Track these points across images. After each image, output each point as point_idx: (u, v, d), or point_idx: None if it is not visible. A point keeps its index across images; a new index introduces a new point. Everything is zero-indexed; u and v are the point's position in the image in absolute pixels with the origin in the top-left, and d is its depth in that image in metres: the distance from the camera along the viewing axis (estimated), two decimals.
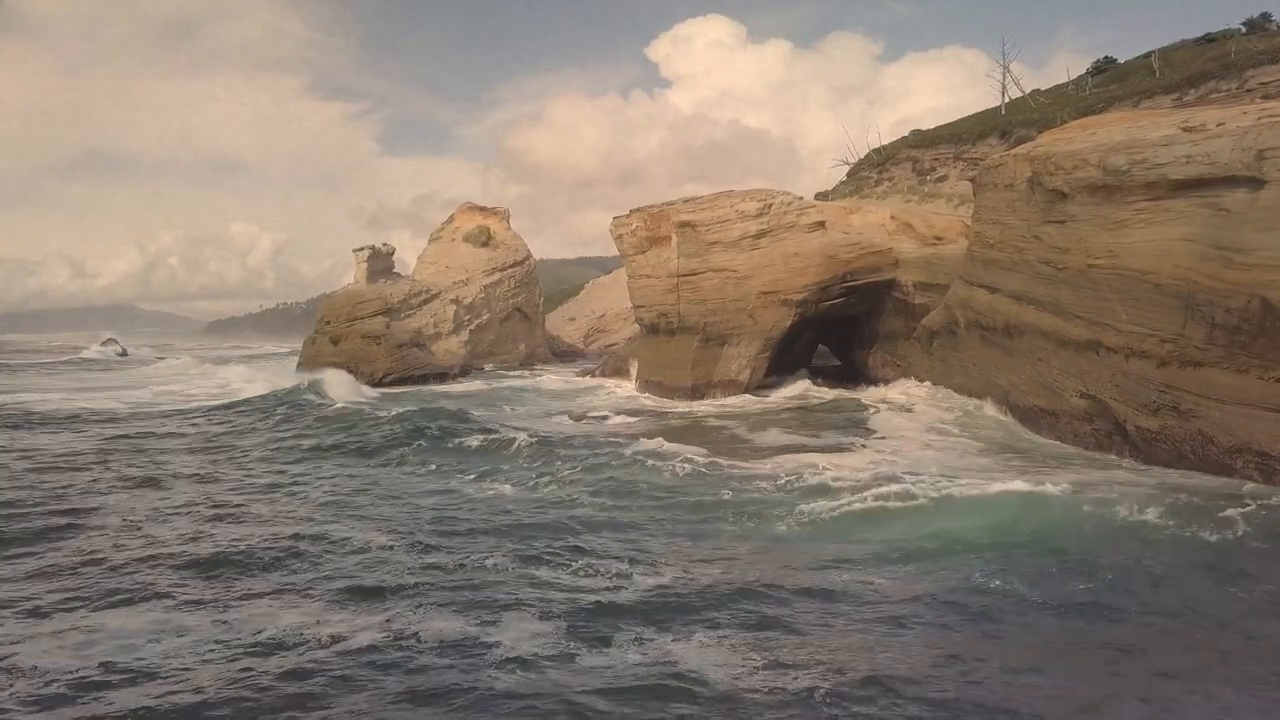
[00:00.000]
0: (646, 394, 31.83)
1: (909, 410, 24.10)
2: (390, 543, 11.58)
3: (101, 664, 7.61)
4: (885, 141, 54.97)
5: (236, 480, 16.48)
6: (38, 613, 9.14)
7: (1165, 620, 8.66)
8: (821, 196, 48.50)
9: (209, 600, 9.44)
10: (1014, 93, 49.19)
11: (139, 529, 12.52)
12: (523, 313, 52.74)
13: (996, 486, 13.47)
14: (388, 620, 8.60)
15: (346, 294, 45.50)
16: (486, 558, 10.76)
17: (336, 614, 8.87)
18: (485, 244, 51.62)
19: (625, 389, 34.07)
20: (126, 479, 16.38)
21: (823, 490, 13.95)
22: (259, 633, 8.29)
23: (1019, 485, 13.45)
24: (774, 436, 21.26)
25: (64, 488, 15.46)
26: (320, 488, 15.69)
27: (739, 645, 8.02)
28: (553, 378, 42.01)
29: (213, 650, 7.92)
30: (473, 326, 48.19)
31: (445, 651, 7.78)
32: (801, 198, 33.14)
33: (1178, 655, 7.88)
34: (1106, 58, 51.12)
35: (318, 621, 8.60)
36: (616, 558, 10.86)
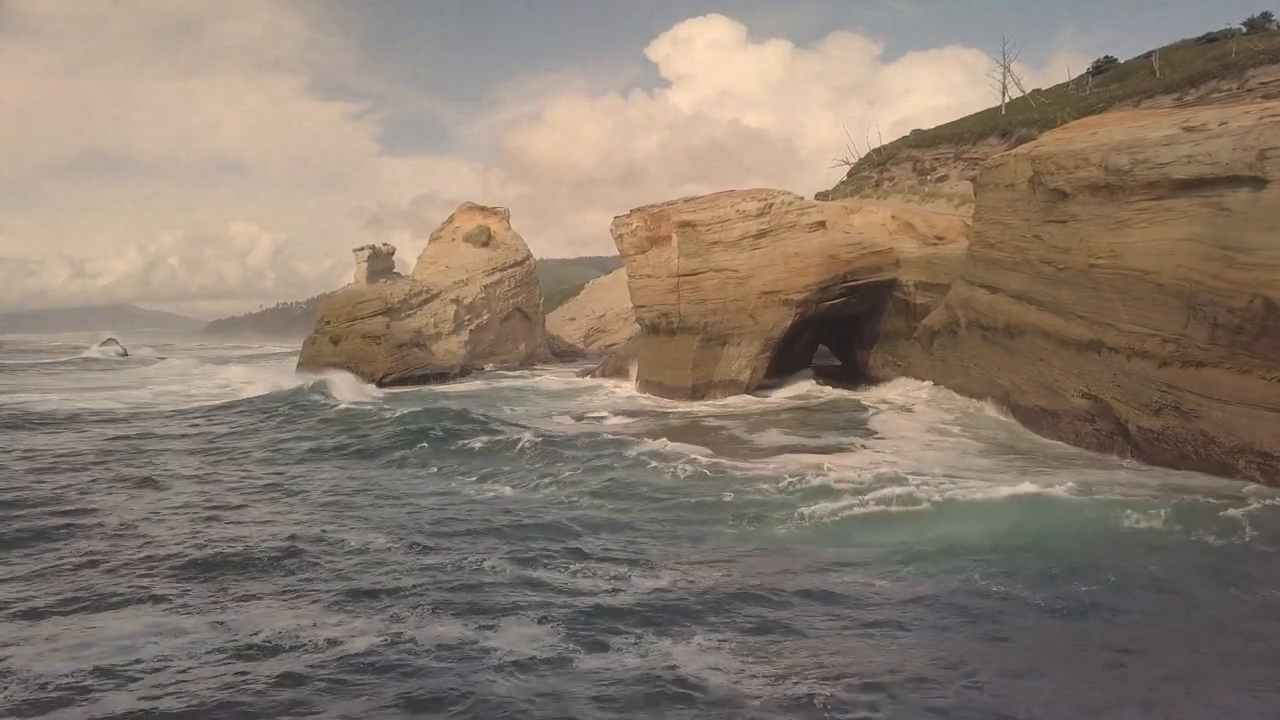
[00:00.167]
0: (647, 394, 31.78)
1: (910, 410, 24.06)
2: (389, 544, 11.53)
3: (97, 667, 7.57)
4: (886, 141, 54.93)
5: (236, 481, 16.43)
6: (34, 614, 9.10)
7: (1168, 623, 8.60)
8: (822, 196, 48.43)
9: (206, 602, 9.39)
10: (1014, 92, 49.16)
11: (137, 530, 12.47)
12: (523, 313, 52.69)
13: (998, 488, 13.42)
14: (385, 623, 8.55)
15: (346, 294, 45.46)
16: (485, 560, 10.71)
17: (334, 616, 8.82)
18: (485, 244, 51.56)
19: (625, 389, 34.01)
20: (125, 480, 16.33)
21: (824, 492, 13.88)
22: (255, 635, 8.24)
23: (1021, 487, 13.38)
24: (775, 437, 21.20)
25: (63, 488, 15.42)
26: (321, 489, 15.63)
27: (739, 649, 7.96)
28: (553, 378, 41.94)
29: (209, 653, 7.87)
30: (473, 326, 48.14)
31: (443, 655, 7.72)
32: (802, 198, 33.09)
33: (1180, 658, 7.83)
34: (1107, 57, 51.05)
35: (314, 624, 8.55)
36: (616, 560, 10.81)
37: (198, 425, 24.66)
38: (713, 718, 6.69)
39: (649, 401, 30.31)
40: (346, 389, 31.40)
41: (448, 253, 50.78)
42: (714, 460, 16.90)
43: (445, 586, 9.67)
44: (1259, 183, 14.55)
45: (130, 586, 9.89)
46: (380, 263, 48.54)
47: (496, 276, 50.55)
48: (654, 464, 16.75)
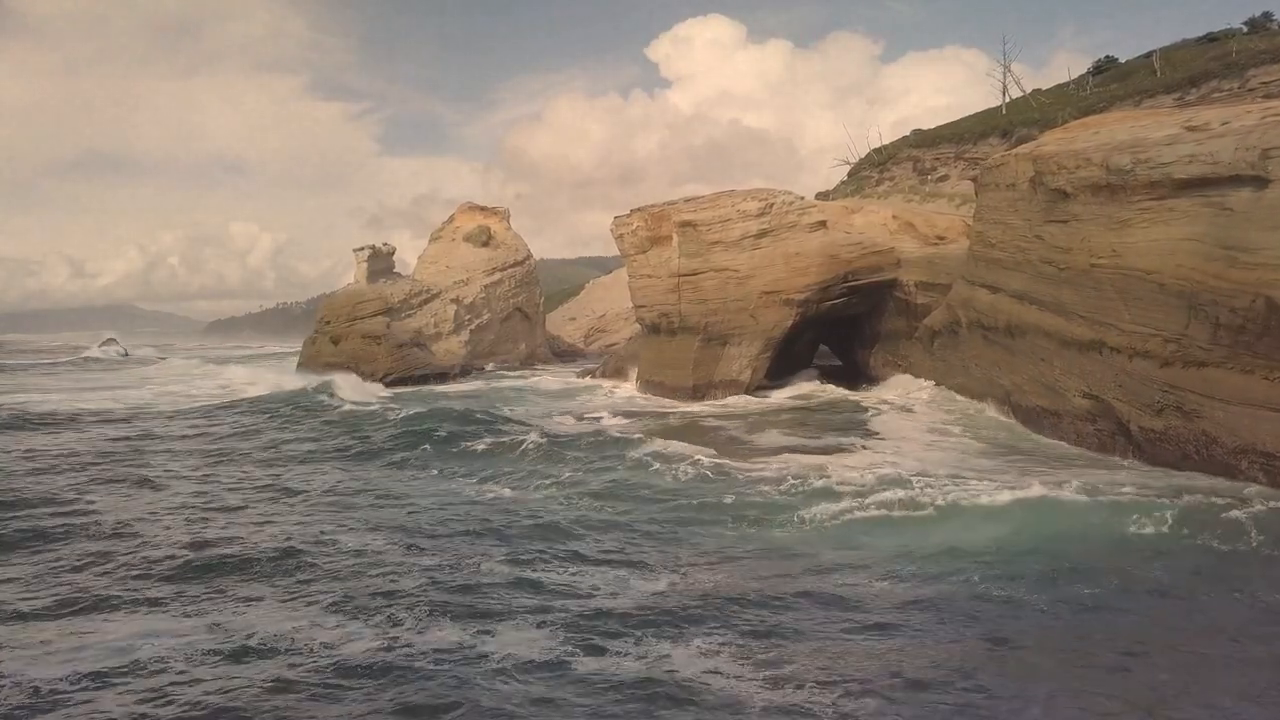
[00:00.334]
0: (647, 394, 31.72)
1: (910, 410, 23.99)
2: (388, 546, 11.49)
3: (92, 670, 7.51)
4: (886, 141, 54.95)
5: (236, 482, 16.38)
6: (30, 616, 9.06)
7: (1171, 628, 8.54)
8: (822, 196, 48.39)
9: (203, 604, 9.34)
10: (1015, 92, 49.16)
11: (135, 531, 12.41)
12: (523, 312, 52.65)
13: (1000, 490, 13.36)
14: (383, 626, 8.50)
15: (347, 294, 45.43)
16: (484, 562, 10.66)
17: (331, 619, 8.77)
18: (485, 244, 51.52)
19: (626, 389, 33.94)
20: (124, 480, 16.29)
21: (826, 494, 13.82)
22: (251, 638, 8.18)
23: (1023, 489, 13.32)
24: (776, 438, 21.15)
25: (61, 488, 15.38)
26: (321, 490, 15.58)
27: (739, 653, 7.90)
28: (553, 378, 41.86)
29: (205, 656, 7.81)
30: (473, 326, 48.11)
31: (440, 659, 7.65)
32: (803, 197, 33.04)
33: (1184, 663, 7.77)
34: (1107, 57, 51.02)
35: (311, 627, 8.50)
36: (616, 562, 10.76)
37: (198, 426, 24.60)
38: None
39: (649, 402, 30.25)
40: (350, 389, 31.35)
41: (448, 253, 50.74)
42: (715, 461, 16.83)
43: (444, 588, 9.61)
44: (1261, 182, 14.49)
45: (126, 588, 9.85)
46: (380, 263, 48.51)
47: (497, 276, 50.52)
48: (655, 465, 16.69)
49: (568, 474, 16.22)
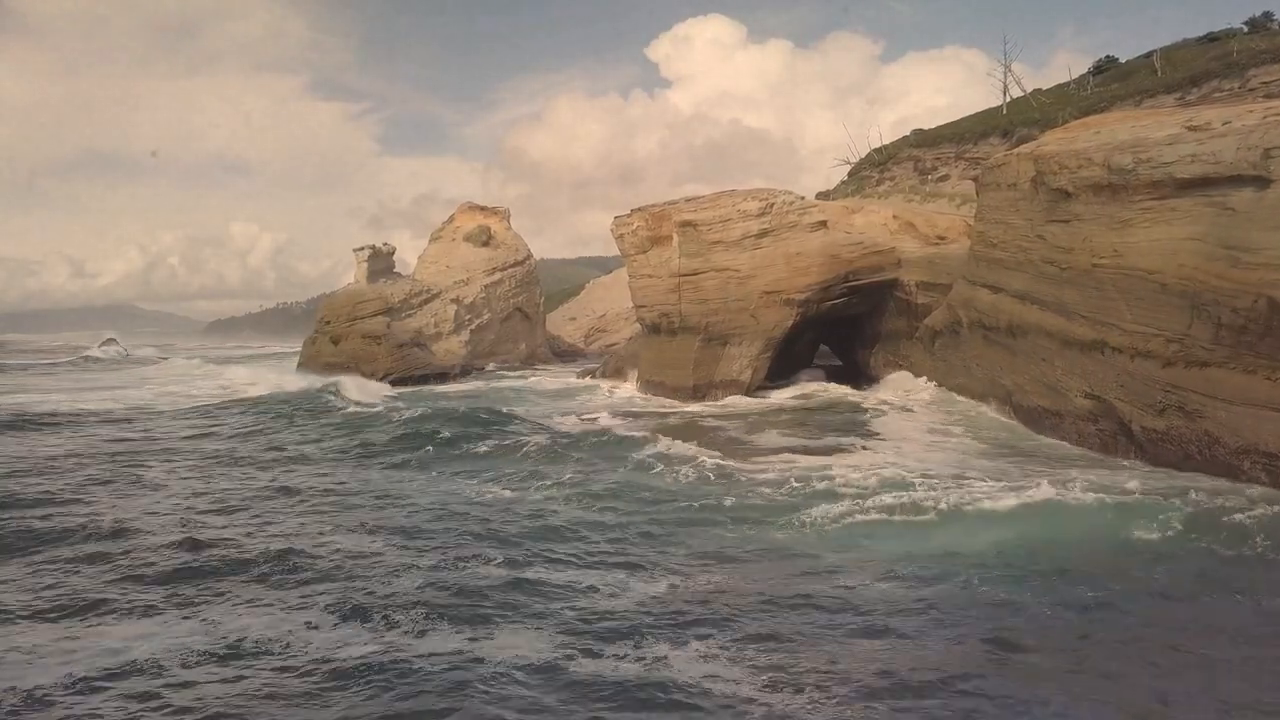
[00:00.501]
0: (647, 394, 31.68)
1: (911, 411, 23.95)
2: (386, 548, 11.43)
3: (85, 674, 7.46)
4: (886, 141, 54.88)
5: (235, 483, 16.32)
6: (26, 617, 9.01)
7: (1174, 631, 8.48)
8: (823, 196, 48.34)
9: (199, 606, 9.30)
10: (1015, 92, 49.05)
11: (132, 532, 12.34)
12: (523, 312, 52.63)
13: (1001, 491, 13.31)
14: (380, 629, 8.44)
15: (347, 294, 45.42)
16: (483, 564, 10.60)
17: (328, 620, 8.72)
18: (486, 244, 51.51)
19: (626, 389, 33.90)
20: (123, 481, 16.24)
21: (826, 496, 13.77)
22: (246, 641, 8.13)
23: (1025, 491, 13.27)
24: (776, 438, 21.10)
25: (60, 489, 15.32)
26: (321, 491, 15.52)
27: (739, 656, 7.85)
28: (553, 378, 41.83)
29: (200, 659, 7.76)
30: (473, 326, 48.09)
31: (437, 662, 7.60)
32: (803, 197, 32.99)
33: (1186, 667, 7.72)
34: (1108, 57, 50.92)
35: (308, 629, 8.46)
36: (615, 564, 10.71)
37: (198, 426, 24.56)
38: None
39: (650, 402, 30.20)
40: (352, 390, 31.31)
41: (448, 252, 50.73)
42: (716, 462, 16.78)
43: (442, 590, 9.55)
44: (1263, 182, 14.46)
45: (122, 589, 9.79)
46: (380, 262, 48.51)
47: (497, 276, 50.51)
48: (655, 466, 16.65)
49: (568, 475, 16.17)
